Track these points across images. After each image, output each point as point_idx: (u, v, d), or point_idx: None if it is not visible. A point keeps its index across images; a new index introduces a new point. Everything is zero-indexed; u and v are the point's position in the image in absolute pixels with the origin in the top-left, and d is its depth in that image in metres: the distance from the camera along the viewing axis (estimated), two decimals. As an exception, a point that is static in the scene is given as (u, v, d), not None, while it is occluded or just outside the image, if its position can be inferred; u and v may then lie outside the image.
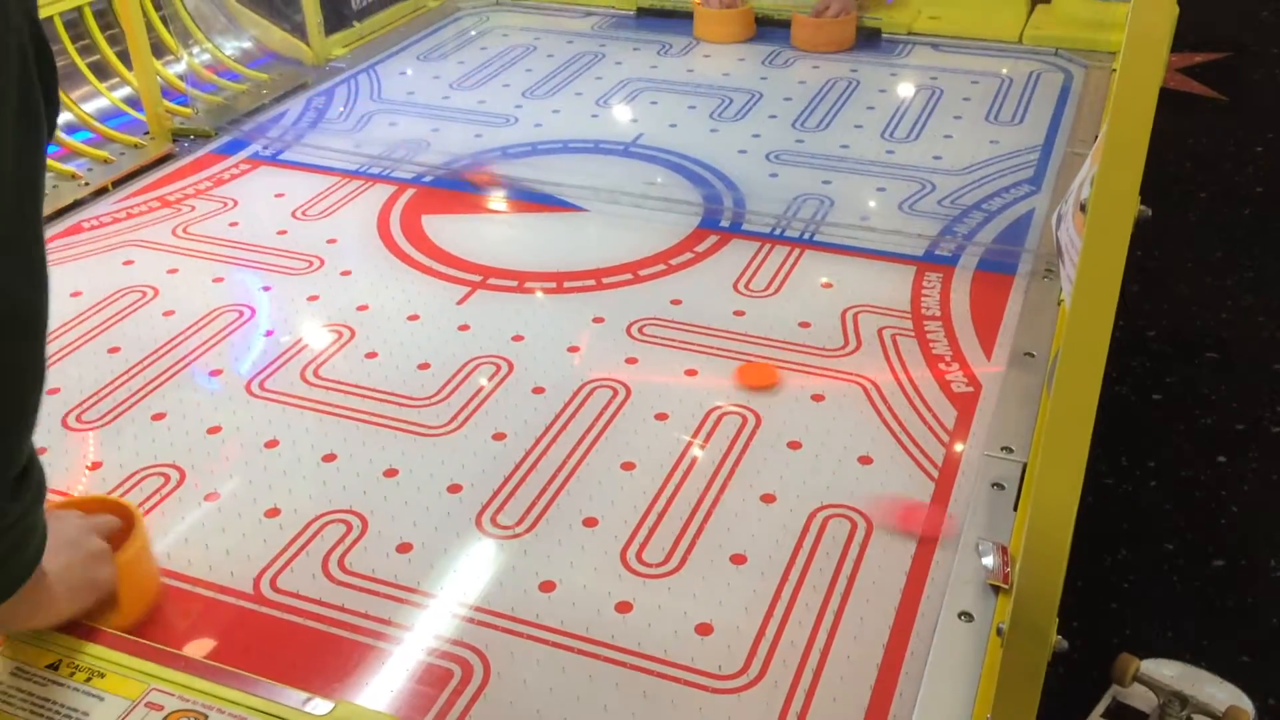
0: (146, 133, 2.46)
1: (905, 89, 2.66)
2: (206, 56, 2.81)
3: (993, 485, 1.39)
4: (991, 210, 2.09)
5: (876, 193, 2.18)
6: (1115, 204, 0.71)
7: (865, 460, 1.47)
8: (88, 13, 2.58)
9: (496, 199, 2.23)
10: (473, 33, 3.10)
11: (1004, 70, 2.73)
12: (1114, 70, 2.66)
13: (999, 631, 1.05)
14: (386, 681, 1.17)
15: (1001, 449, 1.46)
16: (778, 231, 2.04)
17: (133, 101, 2.55)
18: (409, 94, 2.72)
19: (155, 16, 2.72)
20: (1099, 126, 2.39)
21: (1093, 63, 2.74)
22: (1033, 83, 2.66)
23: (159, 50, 2.69)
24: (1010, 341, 1.70)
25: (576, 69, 2.83)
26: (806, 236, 2.03)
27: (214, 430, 1.56)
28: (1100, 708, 1.41)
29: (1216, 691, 1.36)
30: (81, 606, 1.17)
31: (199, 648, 1.21)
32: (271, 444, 1.53)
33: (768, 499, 1.41)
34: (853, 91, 2.65)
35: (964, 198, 2.14)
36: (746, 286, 1.88)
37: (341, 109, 2.64)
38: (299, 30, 2.87)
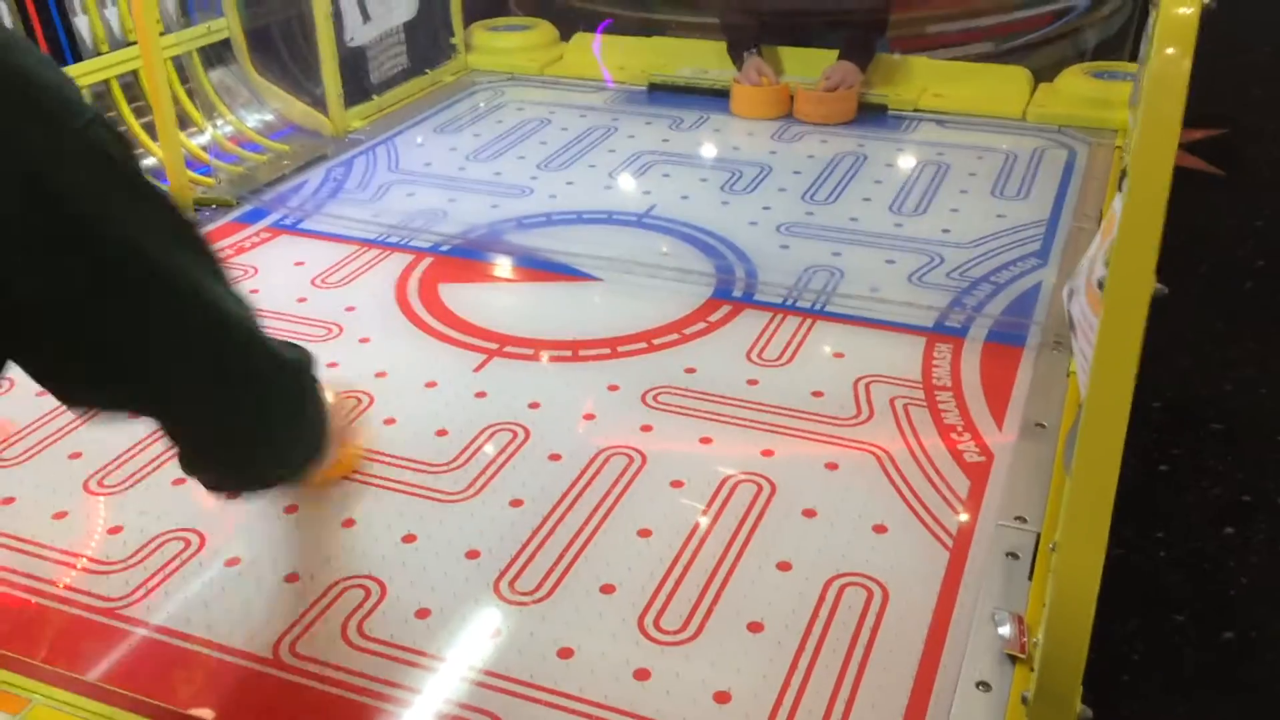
0: (169, 201, 2.52)
1: (912, 163, 2.72)
2: (229, 128, 2.88)
3: (1007, 555, 1.40)
4: (1000, 283, 2.12)
5: (885, 265, 2.22)
6: (1132, 284, 0.74)
7: (880, 529, 1.48)
8: (114, 85, 2.65)
9: (512, 269, 2.27)
10: (481, 105, 3.18)
11: (1008, 146, 2.79)
12: (1118, 147, 2.72)
13: (1024, 700, 1.06)
14: (405, 748, 1.18)
15: (1015, 519, 1.47)
16: (789, 302, 2.08)
17: (157, 173, 2.60)
18: (426, 165, 2.78)
19: (180, 89, 2.80)
20: (1104, 202, 2.44)
21: (1095, 139, 2.80)
22: (1037, 158, 2.71)
23: (183, 122, 2.76)
24: (1021, 412, 1.72)
25: (590, 142, 2.89)
26: (818, 307, 2.06)
27: (233, 495, 1.58)
28: (1117, 781, 1.40)
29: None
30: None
31: (216, 712, 1.22)
32: (290, 509, 1.55)
33: (784, 567, 1.42)
34: (860, 166, 2.71)
35: (972, 270, 2.18)
36: (759, 355, 1.91)
37: (360, 179, 2.70)
38: (319, 103, 2.95)
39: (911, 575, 1.39)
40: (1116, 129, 2.83)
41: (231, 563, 1.45)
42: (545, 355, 1.92)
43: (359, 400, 1.78)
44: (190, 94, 2.81)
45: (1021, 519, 1.46)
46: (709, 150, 2.84)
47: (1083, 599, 0.76)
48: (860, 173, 2.67)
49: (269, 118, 2.97)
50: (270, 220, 2.48)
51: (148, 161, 2.65)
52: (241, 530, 1.50)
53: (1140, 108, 0.76)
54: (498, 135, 2.96)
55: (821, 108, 2.95)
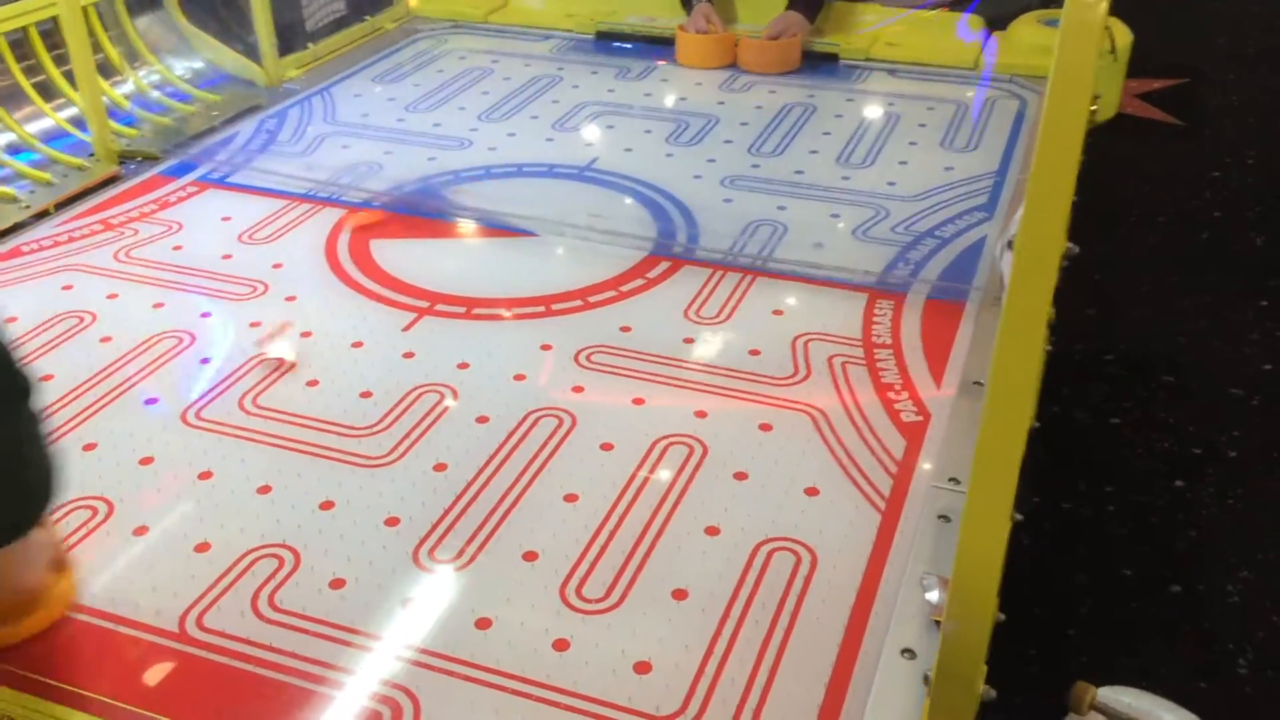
0: (91, 154, 2.42)
1: (861, 114, 2.66)
2: (156, 77, 2.77)
3: (939, 517, 1.38)
4: (944, 237, 2.08)
5: (830, 219, 2.17)
6: (1041, 245, 0.70)
7: (811, 491, 1.45)
8: (33, 32, 2.53)
9: (447, 225, 2.20)
10: (432, 52, 3.08)
11: (960, 96, 2.74)
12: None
13: (925, 680, 1.03)
14: (313, 725, 1.13)
15: (949, 480, 1.44)
16: (730, 259, 2.03)
17: (78, 122, 2.50)
18: (363, 116, 2.69)
19: (104, 36, 2.68)
20: (1052, 153, 2.39)
21: (1045, 89, 2.75)
22: (988, 110, 2.67)
23: (106, 70, 2.65)
24: (960, 370, 1.68)
25: (533, 92, 2.81)
26: (759, 264, 2.01)
27: (146, 461, 1.52)
28: (1053, 739, 1.39)
29: (1172, 718, 1.35)
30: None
31: (119, 690, 1.17)
32: (205, 475, 1.49)
33: (712, 531, 1.38)
34: (809, 117, 2.65)
35: (917, 224, 2.13)
36: (697, 314, 1.86)
37: (293, 131, 2.61)
38: (252, 51, 2.84)
39: (842, 539, 1.36)
40: (1069, 79, 2.77)
41: (140, 532, 1.39)
42: (479, 314, 1.86)
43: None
44: (114, 41, 2.69)
45: (955, 480, 1.43)
46: (655, 101, 2.77)
47: (986, 571, 0.73)
48: (809, 124, 2.61)
49: (199, 66, 2.86)
50: (198, 174, 2.39)
51: (69, 111, 2.54)
52: (153, 498, 1.44)
53: (1055, 55, 0.71)
54: (438, 85, 2.87)
55: (763, 56, 2.89)
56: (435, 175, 2.38)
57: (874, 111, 2.67)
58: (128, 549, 1.36)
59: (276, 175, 2.37)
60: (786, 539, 1.37)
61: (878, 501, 1.42)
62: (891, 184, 2.31)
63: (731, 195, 2.27)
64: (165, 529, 1.39)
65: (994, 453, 0.72)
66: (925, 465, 1.48)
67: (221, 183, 2.36)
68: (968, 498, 0.75)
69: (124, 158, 2.43)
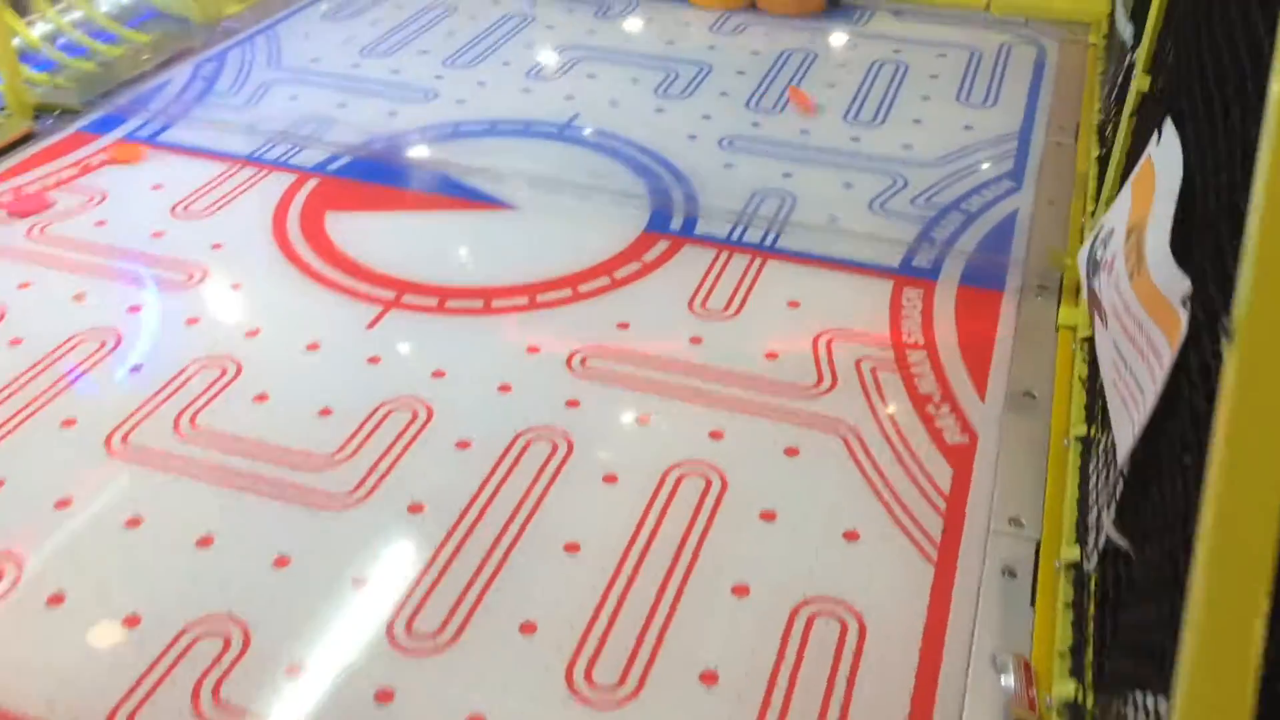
0: (3, 108, 2.12)
1: (867, 62, 2.41)
2: (77, 14, 2.44)
3: (1003, 571, 1.18)
4: (971, 211, 1.86)
5: (843, 189, 1.94)
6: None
7: (851, 536, 1.25)
8: (-72, -37, 2.20)
9: (413, 194, 1.94)
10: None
11: (973, 41, 2.50)
12: (1091, 44, 2.45)
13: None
14: None
15: (1009, 522, 1.25)
16: (736, 236, 1.80)
17: (-16, 69, 2.19)
18: (313, 61, 2.40)
19: (12, -33, 2.35)
20: (1081, 113, 2.18)
21: (1066, 34, 2.52)
22: (1004, 57, 2.43)
23: (19, 6, 2.33)
24: (1005, 376, 1.48)
25: (504, 33, 2.53)
26: (768, 243, 1.79)
27: (63, 504, 1.28)
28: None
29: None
30: None
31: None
32: (133, 523, 1.26)
33: (740, 591, 1.18)
34: (811, 65, 2.40)
35: (940, 195, 1.91)
36: (703, 305, 1.64)
37: (234, 78, 2.31)
38: (185, -17, 2.52)
39: (892, 599, 1.17)
40: (1088, 22, 2.55)
41: (54, 601, 1.16)
42: (454, 308, 1.63)
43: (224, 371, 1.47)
44: (25, -28, 2.36)
45: (1016, 522, 1.24)
46: (641, 44, 2.50)
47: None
48: (810, 74, 2.36)
49: (125, 0, 2.53)
50: (125, 130, 2.10)
51: (-27, 57, 2.22)
52: (69, 553, 1.21)
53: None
54: (398, 24, 2.57)
55: None
56: (397, 134, 2.11)
57: (880, 59, 2.42)
58: (39, 624, 1.13)
59: (216, 131, 2.09)
60: (828, 599, 1.17)
61: (928, 549, 1.23)
62: (907, 146, 2.08)
63: (731, 159, 2.03)
64: (85, 597, 1.17)
65: (1237, 541, 0.51)
66: (978, 500, 1.29)
67: (152, 141, 2.07)
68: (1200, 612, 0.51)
69: (40, 111, 2.13)
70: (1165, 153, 0.98)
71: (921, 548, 1.23)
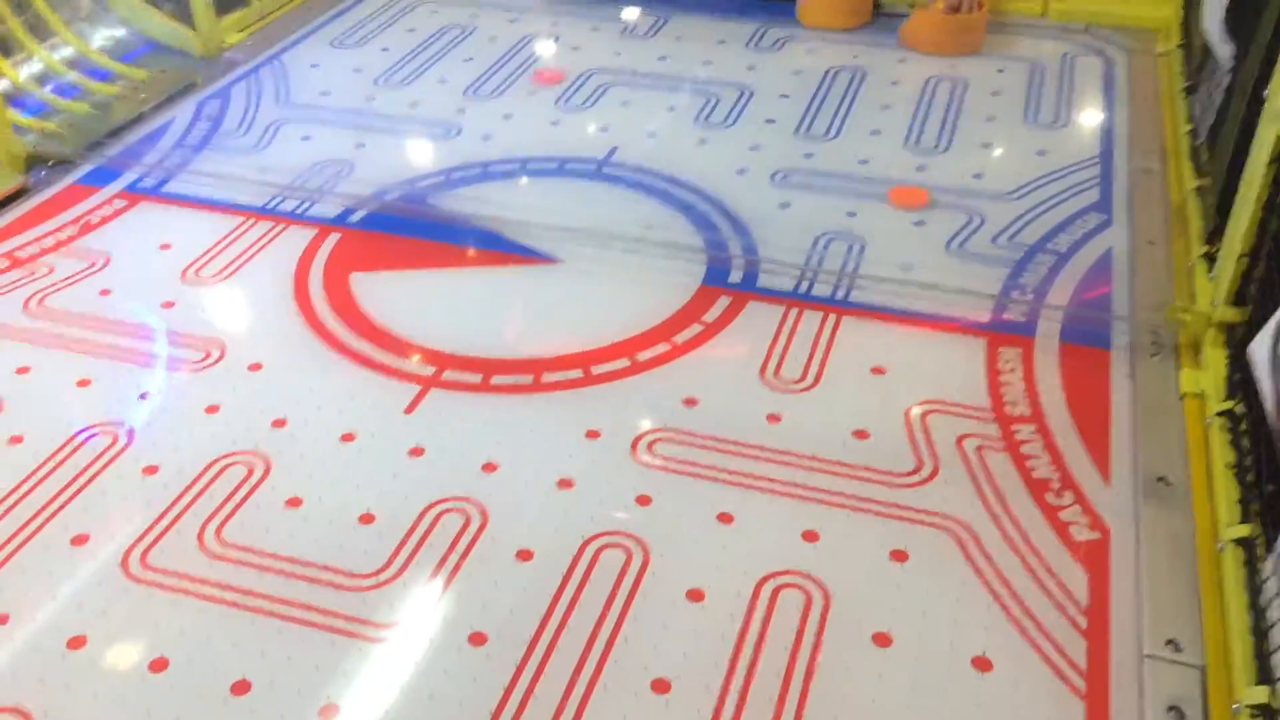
0: (-10, 160, 1.95)
1: (920, 80, 2.24)
2: (69, 51, 2.27)
3: (1169, 709, 1.02)
4: (1060, 251, 1.70)
5: (914, 228, 1.78)
6: None
7: (982, 665, 1.08)
8: (-93, 3, 2.04)
9: (444, 248, 1.77)
10: (399, 5, 2.59)
11: (1031, 54, 2.33)
12: (1161, 55, 2.28)
13: None
14: None
15: (1166, 644, 1.08)
16: (803, 290, 1.63)
17: (-29, 118, 2.02)
18: (324, 95, 2.23)
19: (3, 4, 2.18)
20: (1165, 135, 2.00)
21: (1131, 43, 2.35)
22: (1068, 71, 2.26)
23: (6, 47, 2.16)
24: (1129, 455, 1.32)
25: (526, 57, 2.36)
26: (839, 296, 1.62)
27: (76, 643, 1.12)
28: None
29: None
30: None
31: None
32: (158, 665, 1.09)
33: (861, 739, 1.02)
34: (860, 84, 2.23)
35: (1023, 234, 1.74)
36: (776, 374, 1.47)
37: (240, 117, 2.14)
38: (184, 12, 2.35)
39: (1040, 747, 1.01)
40: (1155, 29, 2.38)
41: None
42: (498, 382, 1.46)
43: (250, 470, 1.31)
44: (15, 9, 2.19)
45: (1174, 645, 1.08)
46: (674, 66, 2.32)
47: None
48: (861, 94, 2.19)
49: (120, 34, 2.36)
50: (125, 182, 1.93)
51: (-41, 104, 2.06)
52: (86, 708, 1.05)
53: None
54: (411, 49, 2.40)
55: (940, 35, 2.30)
56: (421, 177, 1.94)
57: (935, 75, 2.25)
58: (55, 803, 0.98)
59: (224, 180, 1.92)
60: (965, 749, 1.01)
61: (1074, 679, 1.07)
62: (977, 176, 1.91)
63: (787, 197, 1.86)
64: (105, 764, 1.01)
65: None
66: (1122, 614, 1.12)
67: (156, 193, 1.90)
68: None
69: (32, 163, 1.96)
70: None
71: (1066, 678, 1.07)
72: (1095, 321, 1.54)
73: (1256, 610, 1.04)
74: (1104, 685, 1.06)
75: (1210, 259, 1.52)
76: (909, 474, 1.31)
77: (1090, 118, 2.09)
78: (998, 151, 1.98)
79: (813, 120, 2.10)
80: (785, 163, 1.96)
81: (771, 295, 1.62)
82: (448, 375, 1.48)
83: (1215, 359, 1.39)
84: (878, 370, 1.48)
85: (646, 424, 1.39)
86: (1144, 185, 1.85)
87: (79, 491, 1.30)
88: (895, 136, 2.04)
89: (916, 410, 1.40)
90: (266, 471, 1.32)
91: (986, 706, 1.04)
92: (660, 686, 1.07)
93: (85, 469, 1.33)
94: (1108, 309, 1.56)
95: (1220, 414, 1.28)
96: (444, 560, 1.20)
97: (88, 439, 1.38)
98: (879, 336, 1.54)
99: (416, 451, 1.35)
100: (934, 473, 1.31)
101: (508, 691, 1.06)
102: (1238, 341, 1.35)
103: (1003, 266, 1.67)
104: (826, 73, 2.27)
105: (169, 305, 1.62)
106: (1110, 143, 2.00)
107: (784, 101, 2.17)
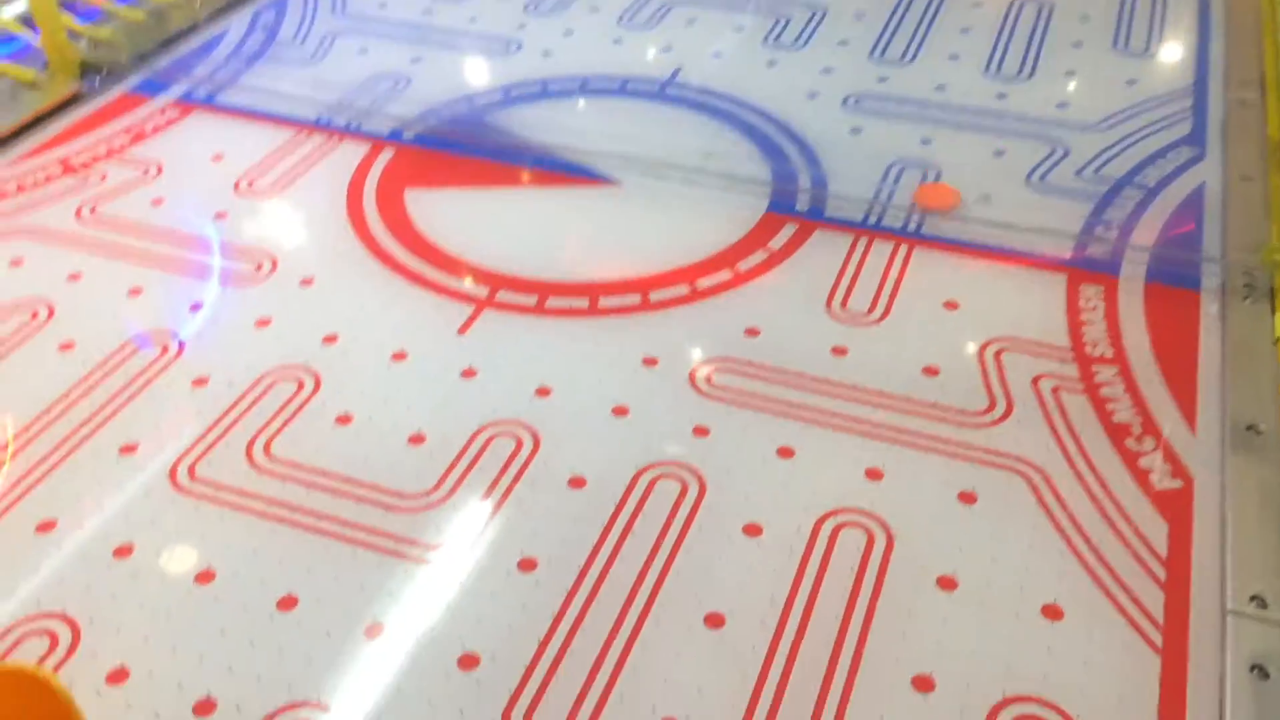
0: (45, 65, 1.92)
1: (1004, 3, 2.12)
2: (125, -44, 2.24)
3: (1252, 668, 0.97)
4: (1148, 186, 1.60)
5: (993, 158, 1.69)
6: None
7: (1052, 613, 1.03)
8: (-36, -97, 2.00)
9: (501, 166, 1.72)
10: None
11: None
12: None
13: None
14: None
15: (1251, 600, 1.02)
16: (873, 219, 1.56)
17: (26, 21, 1.99)
18: (381, 7, 2.17)
19: (55, -95, 2.14)
20: (1262, 61, 1.88)
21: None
22: (1162, -5, 2.13)
23: (62, -50, 2.12)
24: (1217, 402, 1.24)
25: (590, -27, 2.27)
26: (912, 228, 1.55)
27: (123, 552, 1.11)
28: None
29: None
30: None
31: None
32: (204, 577, 1.08)
33: (923, 684, 0.98)
34: (940, 5, 2.12)
35: (1109, 166, 1.65)
36: (843, 306, 1.41)
37: (296, 29, 2.09)
38: (241, -80, 2.29)
39: (1113, 702, 0.96)
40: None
41: (115, 678, 0.99)
42: (555, 308, 1.42)
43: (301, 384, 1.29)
44: (69, -89, 2.15)
45: (1259, 600, 1.02)
46: (743, -16, 2.23)
47: None
48: (941, 16, 2.08)
49: (177, -59, 2.31)
50: (179, 91, 1.90)
51: (15, 8, 2.03)
52: (131, 618, 1.04)
53: None
54: (472, -37, 2.33)
55: None
56: (479, 94, 1.88)
57: (1019, -1, 2.14)
58: (98, 710, 0.97)
59: (279, 94, 1.88)
60: (1033, 699, 0.96)
61: (1150, 632, 1.01)
62: (1062, 105, 1.81)
63: (859, 123, 1.78)
64: (150, 673, 0.99)
65: None
66: (1205, 567, 1.06)
67: (210, 103, 1.87)
68: None
69: (87, 69, 1.94)
70: None
71: (1142, 630, 1.01)
72: (1184, 261, 1.45)
73: (1355, 569, 0.97)
74: (1182, 640, 1.00)
75: (1314, 197, 1.43)
76: (980, 413, 1.25)
77: (1184, 45, 1.97)
78: (1084, 79, 1.87)
79: (888, 42, 2.00)
80: (858, 87, 1.87)
81: (840, 224, 1.55)
82: (502, 296, 1.43)
83: (1314, 303, 1.30)
84: (950, 305, 1.41)
85: (706, 353, 1.33)
86: (1240, 117, 1.74)
87: (128, 401, 1.29)
88: (975, 62, 1.94)
89: (990, 348, 1.33)
90: (316, 387, 1.30)
91: (1057, 655, 0.99)
92: (714, 620, 1.03)
93: (135, 378, 1.31)
94: (1198, 248, 1.48)
95: (1320, 361, 1.21)
96: (494, 484, 1.17)
97: (138, 348, 1.36)
98: (952, 270, 1.47)
99: (469, 373, 1.32)
100: (1007, 413, 1.24)
101: (556, 619, 1.03)
102: (1341, 285, 1.27)
103: (1087, 201, 1.58)
104: (903, -7, 2.16)
105: (222, 215, 1.60)
106: (1205, 72, 1.88)
107: (858, 22, 2.07)
